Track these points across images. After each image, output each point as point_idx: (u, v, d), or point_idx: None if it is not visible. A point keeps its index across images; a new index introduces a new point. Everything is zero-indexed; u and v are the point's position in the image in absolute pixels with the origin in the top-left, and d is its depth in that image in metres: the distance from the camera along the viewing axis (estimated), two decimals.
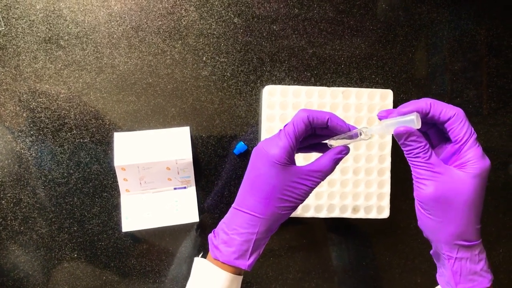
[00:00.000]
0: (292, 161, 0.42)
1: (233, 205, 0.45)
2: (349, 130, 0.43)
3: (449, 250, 0.40)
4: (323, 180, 0.43)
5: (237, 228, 0.43)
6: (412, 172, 0.41)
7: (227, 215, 0.45)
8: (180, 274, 0.63)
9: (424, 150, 0.39)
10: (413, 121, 0.38)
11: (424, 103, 0.40)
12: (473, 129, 0.39)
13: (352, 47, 0.64)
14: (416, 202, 0.41)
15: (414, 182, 0.41)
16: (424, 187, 0.39)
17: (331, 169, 0.43)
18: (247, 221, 0.43)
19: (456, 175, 0.38)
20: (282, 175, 0.41)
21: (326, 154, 0.43)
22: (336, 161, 0.43)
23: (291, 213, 0.44)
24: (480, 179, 0.38)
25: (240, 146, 0.61)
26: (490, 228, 0.68)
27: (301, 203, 0.44)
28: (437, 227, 0.40)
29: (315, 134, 0.45)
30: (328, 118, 0.42)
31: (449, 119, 0.39)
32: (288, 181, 0.42)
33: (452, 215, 0.39)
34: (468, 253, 0.40)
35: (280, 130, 0.43)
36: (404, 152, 0.41)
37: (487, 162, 0.39)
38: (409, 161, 0.41)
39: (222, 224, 0.45)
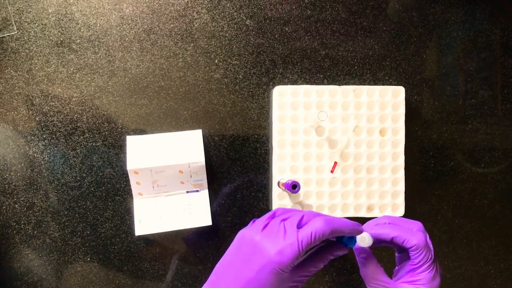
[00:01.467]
0: None
1: None
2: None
3: None
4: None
5: None
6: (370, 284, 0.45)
7: None
8: (193, 277, 0.63)
9: (378, 271, 0.44)
10: (364, 240, 0.43)
11: (388, 231, 0.44)
12: (432, 252, 0.44)
13: (365, 48, 0.64)
14: None
15: None
16: None
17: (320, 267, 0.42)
18: None
19: None
20: (279, 282, 0.37)
21: (321, 255, 0.41)
22: (329, 261, 0.42)
23: None
24: None
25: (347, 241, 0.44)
26: (507, 231, 0.67)
27: None
28: None
29: None
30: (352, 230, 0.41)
31: (410, 247, 0.43)
32: (283, 285, 0.38)
33: None
34: None
35: (284, 225, 0.38)
36: (360, 270, 0.45)
37: (434, 284, 0.43)
38: (364, 279, 0.45)
39: None
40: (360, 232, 0.42)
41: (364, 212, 0.62)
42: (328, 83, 0.63)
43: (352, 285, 0.65)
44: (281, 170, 0.61)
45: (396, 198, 0.62)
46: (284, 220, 0.40)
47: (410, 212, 0.64)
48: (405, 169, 0.62)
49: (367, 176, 0.62)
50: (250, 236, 0.39)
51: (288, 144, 0.61)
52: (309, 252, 0.41)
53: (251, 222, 0.43)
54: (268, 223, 0.40)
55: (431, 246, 0.45)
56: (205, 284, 0.41)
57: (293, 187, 0.55)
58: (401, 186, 0.62)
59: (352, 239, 0.42)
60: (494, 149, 0.66)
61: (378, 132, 0.62)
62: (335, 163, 0.61)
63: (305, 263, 0.40)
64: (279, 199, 0.60)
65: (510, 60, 0.66)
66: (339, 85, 0.61)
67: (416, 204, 0.65)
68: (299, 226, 0.39)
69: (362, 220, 0.62)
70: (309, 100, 0.61)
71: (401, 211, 0.62)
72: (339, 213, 0.62)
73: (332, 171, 0.61)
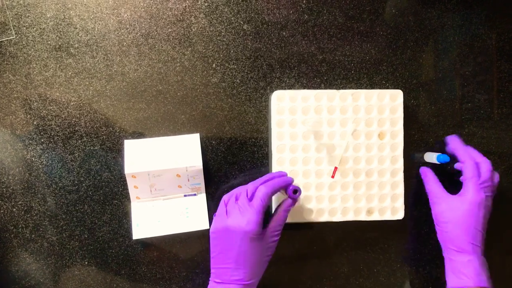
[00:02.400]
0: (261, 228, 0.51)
1: (219, 281, 0.51)
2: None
3: (445, 252, 0.58)
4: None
5: None
6: (429, 196, 0.61)
7: None
8: (190, 281, 0.63)
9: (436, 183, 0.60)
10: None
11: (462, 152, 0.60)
12: (486, 179, 0.57)
13: (362, 52, 0.64)
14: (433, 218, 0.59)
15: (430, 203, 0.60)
16: (435, 207, 0.59)
17: (286, 219, 0.54)
18: None
19: (456, 201, 0.56)
20: (259, 243, 0.50)
21: (280, 210, 0.54)
22: (289, 212, 0.55)
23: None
24: (472, 207, 0.55)
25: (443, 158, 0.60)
26: (503, 235, 0.67)
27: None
28: (441, 236, 0.58)
29: None
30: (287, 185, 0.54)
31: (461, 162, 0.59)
32: (264, 244, 0.51)
33: (449, 229, 0.56)
34: (458, 257, 0.55)
35: (239, 204, 0.51)
36: (426, 184, 0.62)
37: (479, 196, 0.55)
38: (427, 189, 0.61)
39: None
40: (290, 183, 0.54)
41: (363, 216, 0.62)
42: (325, 87, 0.64)
43: None
44: None
45: (396, 202, 0.62)
46: (236, 200, 0.52)
47: (409, 215, 0.64)
48: (403, 172, 0.62)
49: (366, 180, 0.62)
50: (221, 225, 0.51)
51: (287, 149, 0.61)
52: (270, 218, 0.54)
53: (214, 216, 0.54)
54: (227, 209, 0.52)
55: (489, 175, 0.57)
56: (211, 277, 0.53)
57: (294, 192, 0.55)
58: (400, 189, 0.62)
59: (442, 158, 0.59)
60: (490, 153, 0.66)
61: (377, 135, 0.62)
62: (336, 168, 0.61)
63: (269, 227, 0.52)
64: (278, 203, 0.61)
65: (506, 64, 0.66)
66: (337, 89, 0.62)
67: (415, 207, 0.66)
68: (250, 199, 0.51)
69: (362, 223, 0.63)
70: (308, 105, 0.61)
71: (400, 214, 0.63)
72: (339, 217, 0.62)
73: (332, 176, 0.61)
